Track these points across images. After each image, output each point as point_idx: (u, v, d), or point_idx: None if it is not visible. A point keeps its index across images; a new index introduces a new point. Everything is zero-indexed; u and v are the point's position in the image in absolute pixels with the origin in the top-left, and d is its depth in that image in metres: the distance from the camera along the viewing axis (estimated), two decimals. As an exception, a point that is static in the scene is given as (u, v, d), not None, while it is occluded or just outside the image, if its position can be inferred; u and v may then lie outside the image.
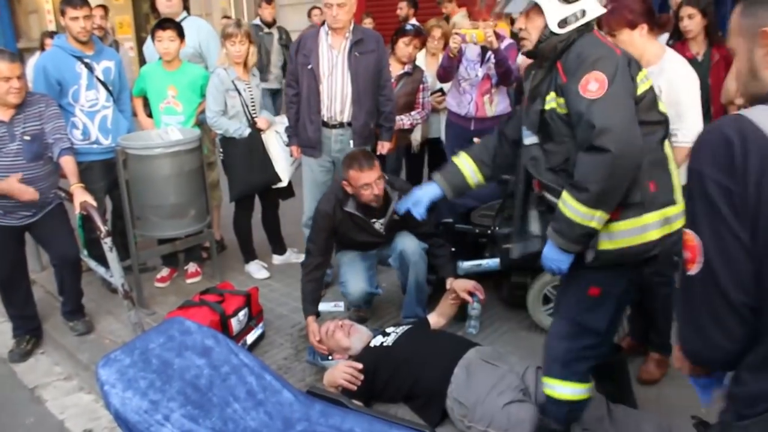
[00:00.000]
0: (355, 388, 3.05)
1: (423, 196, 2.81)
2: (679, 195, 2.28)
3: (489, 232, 3.76)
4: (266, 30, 7.61)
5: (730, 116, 1.26)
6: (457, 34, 4.42)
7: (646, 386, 3.19)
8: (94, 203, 3.54)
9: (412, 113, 4.87)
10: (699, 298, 1.26)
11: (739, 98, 1.41)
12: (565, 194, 2.22)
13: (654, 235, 2.24)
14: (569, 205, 2.19)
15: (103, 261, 3.92)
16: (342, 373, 3.10)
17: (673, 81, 2.96)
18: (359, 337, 3.40)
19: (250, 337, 3.68)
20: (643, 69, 2.33)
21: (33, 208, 3.67)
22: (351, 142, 4.14)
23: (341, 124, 4.14)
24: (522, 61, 3.42)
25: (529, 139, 2.43)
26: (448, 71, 4.62)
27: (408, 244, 3.76)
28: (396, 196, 3.62)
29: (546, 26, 2.30)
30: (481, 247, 3.90)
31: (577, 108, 2.17)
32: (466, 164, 2.76)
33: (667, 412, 2.85)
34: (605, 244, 2.26)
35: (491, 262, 3.76)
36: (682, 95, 2.97)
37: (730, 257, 1.21)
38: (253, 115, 4.39)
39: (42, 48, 6.97)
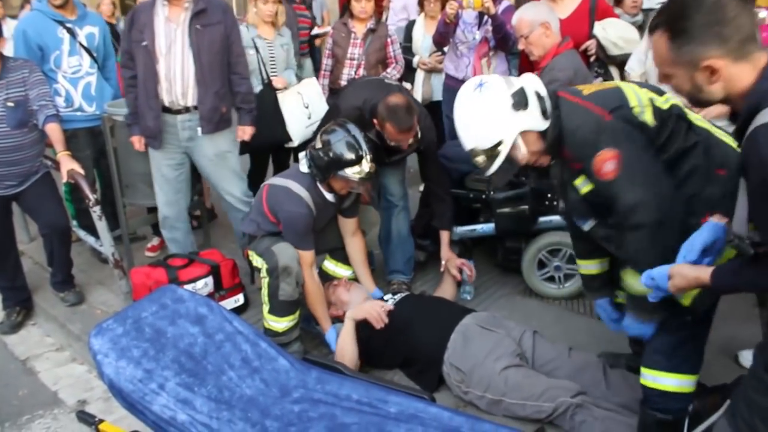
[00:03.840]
0: (377, 326, 3.10)
1: (608, 313, 2.70)
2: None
3: (483, 197, 3.72)
4: None
5: None
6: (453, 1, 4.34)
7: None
8: (82, 171, 3.47)
9: (388, 70, 4.76)
10: None
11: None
12: (625, 275, 2.22)
13: None
14: (634, 284, 2.18)
15: (92, 231, 3.88)
16: (371, 308, 3.14)
17: None
18: (358, 294, 3.39)
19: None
20: (665, 91, 2.22)
21: (19, 177, 3.60)
22: (199, 129, 3.70)
23: (186, 109, 3.66)
24: None
25: (588, 224, 2.38)
26: (444, 36, 4.53)
27: (394, 186, 3.73)
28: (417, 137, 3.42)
29: (540, 134, 2.27)
30: (476, 212, 3.88)
31: (603, 192, 2.14)
32: (587, 267, 2.68)
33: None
34: None
35: (486, 227, 3.75)
36: None
37: None
38: (270, 74, 4.37)
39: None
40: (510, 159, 2.31)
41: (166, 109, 3.65)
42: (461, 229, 3.76)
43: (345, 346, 3.12)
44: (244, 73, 3.80)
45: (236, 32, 3.74)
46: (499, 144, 2.27)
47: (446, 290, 3.65)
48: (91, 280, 4.23)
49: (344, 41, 4.64)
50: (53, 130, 3.51)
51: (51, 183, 3.80)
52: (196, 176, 4.13)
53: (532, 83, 2.29)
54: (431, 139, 3.59)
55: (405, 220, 3.81)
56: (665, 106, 2.16)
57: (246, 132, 3.88)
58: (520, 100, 2.22)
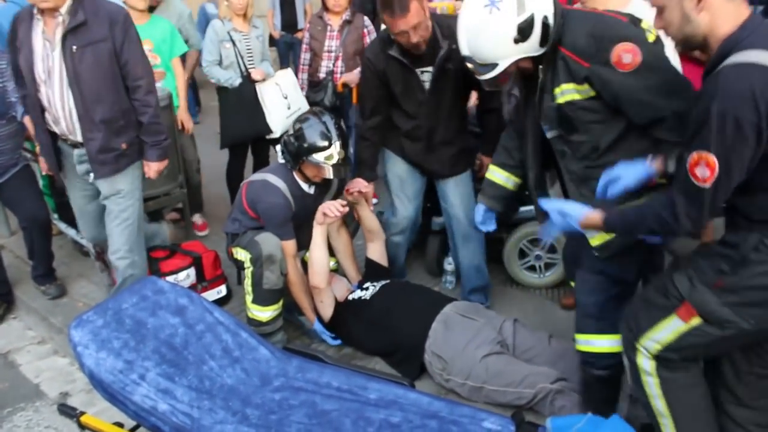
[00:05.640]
0: (332, 215, 3.16)
1: (480, 217, 2.86)
2: None
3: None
4: None
5: (742, 66, 1.58)
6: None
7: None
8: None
9: None
10: (705, 200, 1.67)
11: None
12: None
13: None
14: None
15: (73, 224, 3.85)
16: (326, 205, 3.19)
17: None
18: (339, 287, 3.41)
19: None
20: (644, 20, 2.24)
21: (-3, 170, 3.54)
22: (91, 175, 3.06)
23: (82, 144, 3.01)
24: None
25: (551, 132, 2.37)
26: None
27: (457, 209, 3.42)
28: (446, 44, 3.04)
29: (532, 58, 2.25)
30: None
31: (623, 87, 2.08)
32: (496, 174, 2.81)
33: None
34: None
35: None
36: None
37: (738, 176, 1.64)
38: (248, 66, 4.38)
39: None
40: (500, 74, 2.31)
41: (63, 139, 3.08)
42: (442, 219, 3.77)
43: (314, 253, 3.23)
44: (147, 100, 3.05)
45: (132, 48, 2.96)
46: (494, 65, 2.27)
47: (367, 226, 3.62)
48: (72, 273, 4.21)
49: (321, 34, 4.63)
50: (31, 122, 3.47)
51: (30, 175, 3.77)
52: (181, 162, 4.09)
53: (543, 7, 2.21)
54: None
55: (478, 250, 3.50)
56: (652, 39, 2.20)
57: (152, 168, 3.17)
58: (524, 32, 2.18)
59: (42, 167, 3.48)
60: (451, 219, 3.46)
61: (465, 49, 2.34)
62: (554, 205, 2.12)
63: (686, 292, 1.81)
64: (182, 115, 4.41)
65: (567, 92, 2.21)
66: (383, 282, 3.39)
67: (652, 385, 1.94)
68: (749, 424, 1.97)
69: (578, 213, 2.03)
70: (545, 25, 2.17)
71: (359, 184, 3.37)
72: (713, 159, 1.61)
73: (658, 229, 1.81)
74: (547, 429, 1.99)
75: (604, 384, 2.48)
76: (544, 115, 2.33)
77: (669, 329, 1.85)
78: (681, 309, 1.82)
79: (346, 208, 3.20)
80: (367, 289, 3.34)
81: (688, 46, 1.80)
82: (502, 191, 2.81)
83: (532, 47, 2.21)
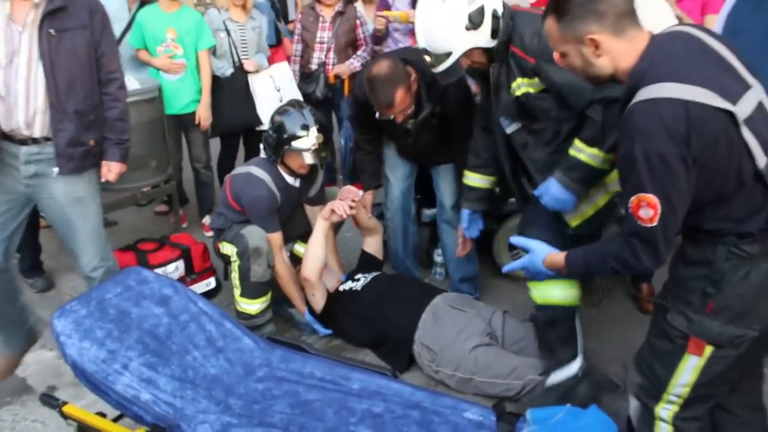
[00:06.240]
0: (341, 214, 3.18)
1: (466, 222, 3.05)
2: None
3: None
4: None
5: (649, 102, 1.62)
6: (380, 16, 4.44)
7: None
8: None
9: (359, 52, 4.74)
10: (658, 237, 1.69)
11: None
12: (581, 144, 2.34)
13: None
14: (588, 153, 2.33)
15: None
16: (337, 203, 3.20)
17: None
18: (329, 278, 3.40)
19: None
20: None
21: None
22: (55, 170, 2.77)
23: (34, 140, 2.73)
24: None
25: (512, 127, 2.53)
26: (380, 41, 4.61)
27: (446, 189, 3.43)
28: (429, 106, 3.12)
29: (484, 49, 2.43)
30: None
31: (561, 78, 2.26)
32: (471, 178, 2.97)
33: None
34: None
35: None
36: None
37: (683, 206, 1.67)
38: (242, 57, 4.38)
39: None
40: (455, 65, 2.46)
41: (5, 137, 2.73)
42: (432, 211, 3.76)
43: (312, 246, 3.22)
44: (118, 95, 2.91)
45: (109, 41, 2.86)
46: (448, 54, 2.43)
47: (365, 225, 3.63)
48: (60, 266, 4.19)
49: (312, 25, 4.62)
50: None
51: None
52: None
53: (492, 1, 2.40)
54: (453, 101, 3.10)
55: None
56: None
57: (112, 170, 2.95)
58: (475, 21, 2.36)
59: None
60: (440, 206, 3.48)
61: (421, 41, 2.51)
62: (522, 241, 2.17)
63: (686, 327, 1.79)
64: (202, 111, 4.32)
65: (522, 86, 2.41)
66: (374, 274, 3.38)
67: (665, 429, 1.91)
68: (734, 407, 1.99)
69: (543, 253, 2.08)
70: (495, 17, 2.37)
71: (351, 194, 3.31)
72: (653, 198, 1.64)
73: (621, 269, 1.82)
74: (527, 420, 1.98)
75: (560, 324, 2.60)
76: (503, 109, 2.51)
77: (689, 369, 1.81)
78: (690, 346, 1.79)
79: (354, 211, 3.22)
80: (358, 280, 3.33)
81: (597, 82, 1.87)
82: (481, 192, 2.98)
83: (483, 38, 2.39)
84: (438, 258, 3.75)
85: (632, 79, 1.72)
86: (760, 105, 1.69)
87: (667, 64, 1.66)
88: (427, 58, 2.50)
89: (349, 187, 3.36)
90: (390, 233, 3.65)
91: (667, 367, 1.83)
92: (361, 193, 3.35)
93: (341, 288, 3.33)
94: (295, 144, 3.10)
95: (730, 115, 1.60)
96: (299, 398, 2.26)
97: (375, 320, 3.11)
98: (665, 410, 1.87)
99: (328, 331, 3.29)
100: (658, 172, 1.61)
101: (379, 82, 2.96)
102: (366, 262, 3.54)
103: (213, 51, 4.33)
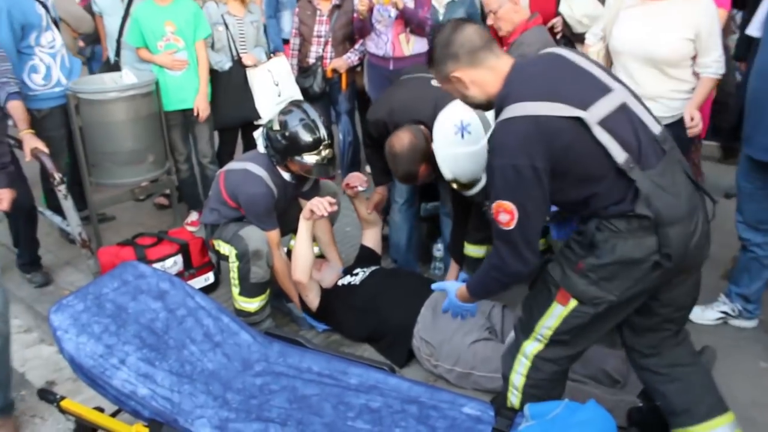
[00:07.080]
0: (320, 214, 3.07)
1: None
2: None
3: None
4: None
5: (506, 121, 1.87)
6: None
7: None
8: (46, 150, 3.41)
9: (356, 46, 4.70)
10: (517, 239, 1.93)
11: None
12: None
13: None
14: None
15: (59, 211, 3.82)
16: (315, 201, 3.09)
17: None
18: (328, 273, 3.39)
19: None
20: None
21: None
22: None
23: None
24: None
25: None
26: (362, 30, 4.49)
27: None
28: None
29: None
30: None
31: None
32: (472, 250, 3.21)
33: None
34: None
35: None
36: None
37: (538, 212, 1.91)
38: (240, 51, 4.36)
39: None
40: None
41: None
42: (430, 205, 3.76)
43: (298, 248, 3.16)
44: None
45: None
46: (477, 179, 2.68)
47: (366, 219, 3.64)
48: (59, 261, 4.18)
49: (310, 19, 4.59)
50: (16, 108, 3.42)
51: (15, 162, 3.72)
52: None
53: None
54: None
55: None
56: None
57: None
58: None
59: (26, 153, 3.43)
60: (442, 199, 3.49)
61: (449, 175, 2.71)
62: (438, 286, 2.57)
63: (559, 278, 2.02)
64: (200, 102, 4.26)
65: None
66: (373, 268, 3.38)
67: (523, 364, 2.14)
68: (660, 368, 2.20)
69: (454, 289, 2.38)
70: None
71: (358, 179, 3.34)
72: (509, 205, 1.87)
73: (504, 278, 2.06)
74: (525, 415, 1.98)
75: None
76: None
77: (555, 315, 2.04)
78: (559, 295, 2.02)
79: (335, 207, 3.11)
80: (357, 274, 3.32)
81: (480, 108, 2.14)
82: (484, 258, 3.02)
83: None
84: (437, 253, 3.75)
85: (498, 102, 1.96)
86: (623, 106, 1.91)
87: (523, 86, 1.91)
88: (455, 186, 2.73)
89: (357, 174, 3.36)
90: (395, 227, 3.64)
91: (540, 308, 2.08)
92: (364, 178, 3.38)
93: (339, 283, 3.32)
94: (303, 157, 3.03)
95: (581, 120, 1.81)
96: (297, 393, 2.25)
97: (374, 314, 3.10)
98: (531, 347, 2.12)
99: (326, 327, 3.28)
100: (512, 182, 1.85)
101: (401, 160, 2.98)
102: (365, 257, 3.53)
103: (211, 45, 4.30)
